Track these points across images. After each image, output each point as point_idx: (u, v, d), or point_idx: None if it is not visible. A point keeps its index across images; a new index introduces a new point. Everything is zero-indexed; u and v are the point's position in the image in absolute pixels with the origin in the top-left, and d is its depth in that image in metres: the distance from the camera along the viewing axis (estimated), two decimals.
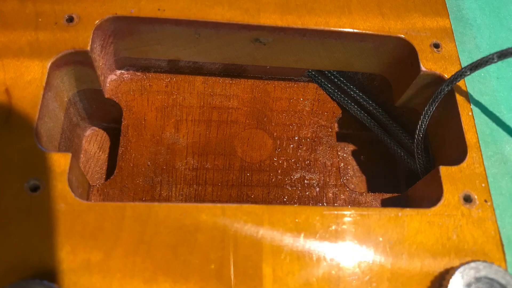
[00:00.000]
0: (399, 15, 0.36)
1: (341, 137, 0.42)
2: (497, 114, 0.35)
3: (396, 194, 0.38)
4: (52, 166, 0.29)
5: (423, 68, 0.34)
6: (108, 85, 0.38)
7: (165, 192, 0.36)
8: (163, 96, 0.39)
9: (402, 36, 0.35)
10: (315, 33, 0.35)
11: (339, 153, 0.41)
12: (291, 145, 0.39)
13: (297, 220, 0.29)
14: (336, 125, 0.41)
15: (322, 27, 0.35)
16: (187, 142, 0.38)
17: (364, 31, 0.35)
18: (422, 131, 0.35)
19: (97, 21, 0.32)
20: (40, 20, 0.32)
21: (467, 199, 0.31)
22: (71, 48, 0.31)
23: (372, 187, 0.41)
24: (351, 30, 0.35)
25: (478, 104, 0.35)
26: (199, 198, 0.36)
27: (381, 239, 0.29)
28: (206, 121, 0.39)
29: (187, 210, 0.28)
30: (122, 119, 0.38)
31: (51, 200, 0.28)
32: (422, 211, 0.30)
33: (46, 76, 0.30)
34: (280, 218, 0.29)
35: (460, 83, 0.35)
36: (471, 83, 0.35)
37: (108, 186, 0.36)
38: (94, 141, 0.40)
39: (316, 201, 0.38)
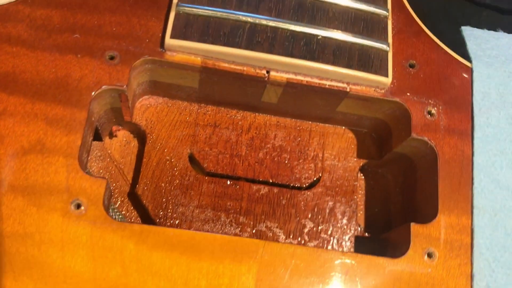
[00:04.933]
0: None
1: None
2: None
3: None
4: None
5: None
6: (135, 109, 0.43)
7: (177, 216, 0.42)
8: (189, 126, 0.44)
9: None
10: None
11: None
12: None
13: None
14: None
15: None
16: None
17: None
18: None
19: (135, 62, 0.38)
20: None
21: (430, 255, 0.37)
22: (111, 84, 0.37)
23: None
24: None
25: None
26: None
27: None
28: (229, 164, 0.44)
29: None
30: (146, 144, 0.43)
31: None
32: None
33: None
34: None
35: None
36: None
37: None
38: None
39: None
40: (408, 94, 0.41)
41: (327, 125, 0.46)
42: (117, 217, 0.42)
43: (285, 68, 0.39)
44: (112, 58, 0.38)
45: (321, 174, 0.45)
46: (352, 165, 0.46)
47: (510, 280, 0.38)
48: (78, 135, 0.36)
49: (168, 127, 0.44)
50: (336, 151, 0.46)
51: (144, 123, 0.44)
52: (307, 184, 0.44)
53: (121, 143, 0.45)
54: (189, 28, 0.38)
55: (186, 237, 0.35)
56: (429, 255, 0.37)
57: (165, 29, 0.39)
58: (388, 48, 0.40)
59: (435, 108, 0.41)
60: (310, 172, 0.45)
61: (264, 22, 0.39)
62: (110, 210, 0.41)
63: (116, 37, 0.39)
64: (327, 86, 0.40)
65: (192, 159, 0.44)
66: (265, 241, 0.35)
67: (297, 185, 0.44)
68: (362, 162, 0.46)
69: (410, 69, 0.42)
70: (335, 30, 0.40)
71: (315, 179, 0.44)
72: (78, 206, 0.34)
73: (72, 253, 0.33)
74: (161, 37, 0.39)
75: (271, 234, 0.42)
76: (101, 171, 0.43)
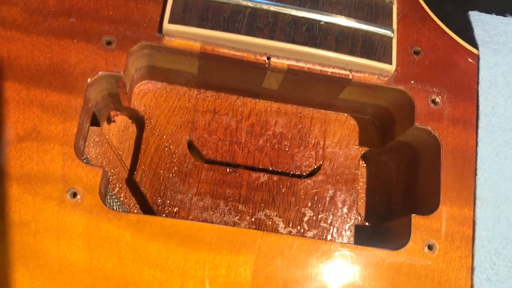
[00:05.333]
0: None
1: None
2: None
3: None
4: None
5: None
6: (133, 95, 0.43)
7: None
8: (188, 112, 0.43)
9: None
10: None
11: None
12: None
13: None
14: None
15: None
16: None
17: None
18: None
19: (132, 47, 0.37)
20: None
21: (431, 247, 0.36)
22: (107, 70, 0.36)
23: None
24: None
25: None
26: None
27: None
28: (229, 152, 0.43)
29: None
30: (144, 130, 0.42)
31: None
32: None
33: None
34: None
35: None
36: None
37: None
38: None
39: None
40: (412, 82, 0.40)
41: (329, 111, 0.45)
42: (114, 204, 0.41)
43: (286, 54, 0.38)
44: (109, 43, 0.37)
45: (322, 162, 0.44)
46: (354, 152, 0.45)
47: (511, 273, 0.38)
48: (74, 122, 0.35)
49: (166, 113, 0.43)
50: (338, 139, 0.45)
51: (142, 109, 0.43)
52: (307, 172, 0.44)
53: (119, 128, 0.44)
54: (187, 12, 0.37)
55: (183, 227, 0.34)
56: (430, 247, 0.37)
57: (163, 13, 0.38)
58: (392, 35, 0.39)
59: (440, 97, 0.40)
60: (310, 159, 0.44)
61: (265, 7, 0.38)
62: (108, 197, 0.41)
63: (113, 21, 0.38)
64: (329, 73, 0.39)
65: (191, 145, 0.43)
66: (263, 232, 0.35)
67: (298, 173, 0.43)
68: (364, 150, 0.45)
69: (415, 56, 0.41)
70: (338, 16, 0.39)
71: (315, 167, 0.44)
72: (74, 195, 0.34)
73: (68, 243, 0.33)
74: (159, 21, 0.38)
75: (270, 223, 0.42)
76: (99, 157, 0.43)
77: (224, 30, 0.37)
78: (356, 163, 0.45)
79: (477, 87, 0.41)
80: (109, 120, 0.44)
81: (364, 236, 0.43)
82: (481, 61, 0.42)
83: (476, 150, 0.40)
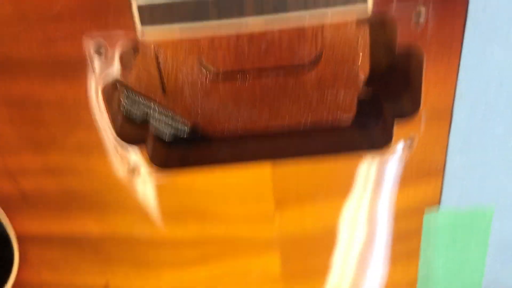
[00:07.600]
0: None
1: None
2: None
3: None
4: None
5: None
6: None
7: None
8: None
9: None
10: None
11: None
12: None
13: None
14: None
15: None
16: None
17: None
18: None
19: None
20: None
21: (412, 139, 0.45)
22: None
23: None
24: None
25: None
26: None
27: None
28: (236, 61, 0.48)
29: None
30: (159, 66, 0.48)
31: None
32: None
33: None
34: None
35: None
36: None
37: None
38: None
39: None
40: (394, 3, 0.39)
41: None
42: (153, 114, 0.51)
43: (259, 25, 0.39)
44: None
45: (323, 49, 0.47)
46: (354, 31, 0.47)
47: (482, 139, 0.45)
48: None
49: (173, 43, 0.47)
50: (337, 23, 0.46)
51: (151, 47, 0.47)
52: (310, 62, 0.48)
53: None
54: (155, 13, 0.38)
55: (215, 173, 0.47)
56: (409, 145, 0.45)
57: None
58: None
59: (424, 8, 0.39)
60: (312, 50, 0.48)
61: None
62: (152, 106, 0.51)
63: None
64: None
65: (203, 64, 0.48)
66: (273, 161, 0.46)
67: (301, 63, 0.48)
68: (364, 27, 0.47)
69: None
70: None
71: (317, 55, 0.48)
72: (134, 170, 0.46)
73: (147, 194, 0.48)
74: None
75: (285, 109, 0.51)
76: (136, 81, 0.51)
77: (194, 20, 0.38)
78: (356, 41, 0.47)
79: None
80: None
81: (367, 105, 0.50)
82: None
83: (461, 50, 0.41)
